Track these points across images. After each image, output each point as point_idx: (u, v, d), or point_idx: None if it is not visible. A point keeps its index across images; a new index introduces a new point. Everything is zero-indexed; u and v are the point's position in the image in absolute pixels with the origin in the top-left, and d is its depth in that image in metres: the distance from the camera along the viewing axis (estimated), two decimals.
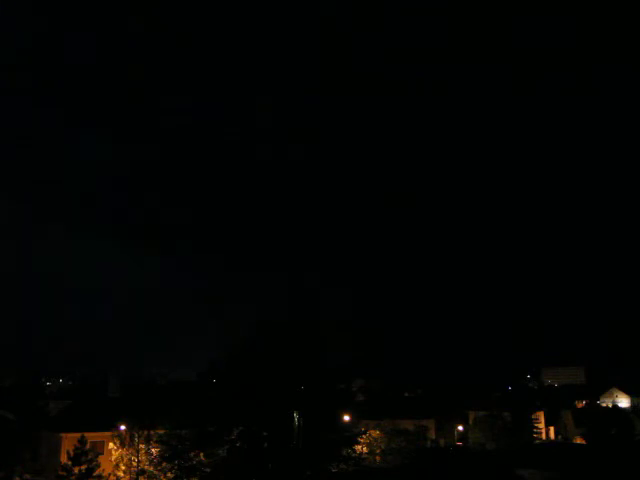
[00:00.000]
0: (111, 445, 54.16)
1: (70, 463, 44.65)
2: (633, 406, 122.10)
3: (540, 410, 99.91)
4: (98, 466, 45.82)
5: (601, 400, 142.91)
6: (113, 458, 53.26)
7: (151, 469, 48.71)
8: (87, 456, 45.22)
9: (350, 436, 40.71)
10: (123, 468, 52.79)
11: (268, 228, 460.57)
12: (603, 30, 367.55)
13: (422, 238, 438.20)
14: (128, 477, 52.61)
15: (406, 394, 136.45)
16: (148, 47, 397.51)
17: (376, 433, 64.72)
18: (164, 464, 41.52)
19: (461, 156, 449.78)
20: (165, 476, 42.75)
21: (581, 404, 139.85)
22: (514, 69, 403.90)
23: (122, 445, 53.41)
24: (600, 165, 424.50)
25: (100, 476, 46.46)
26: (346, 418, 50.86)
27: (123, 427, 53.90)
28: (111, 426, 54.63)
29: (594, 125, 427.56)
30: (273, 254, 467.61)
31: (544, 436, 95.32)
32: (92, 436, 50.66)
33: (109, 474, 49.75)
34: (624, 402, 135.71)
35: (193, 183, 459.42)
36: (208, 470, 36.68)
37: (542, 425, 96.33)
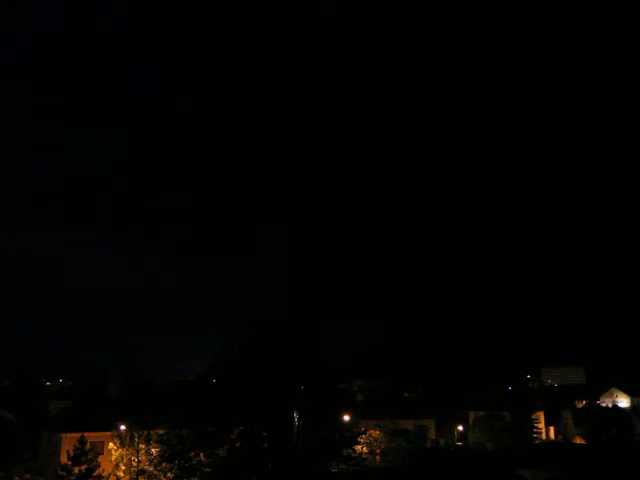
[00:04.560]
0: (111, 445, 54.18)
1: (70, 463, 44.60)
2: (633, 406, 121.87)
3: (540, 410, 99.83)
4: (98, 466, 45.78)
5: (601, 400, 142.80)
6: (113, 458, 53.29)
7: (151, 469, 48.78)
8: (87, 456, 45.17)
9: (350, 436, 40.68)
10: (123, 468, 52.82)
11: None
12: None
13: (417, 232, 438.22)
14: (128, 477, 52.63)
15: (406, 394, 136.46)
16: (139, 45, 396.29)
17: (376, 433, 64.75)
18: (164, 464, 41.58)
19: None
20: (165, 476, 42.81)
21: (581, 404, 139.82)
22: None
23: (122, 445, 53.44)
24: (600, 165, 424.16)
25: (100, 476, 46.45)
26: (346, 418, 50.92)
27: (123, 427, 53.92)
28: (111, 426, 54.66)
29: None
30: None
31: (544, 436, 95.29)
32: (92, 436, 50.62)
33: (109, 474, 49.73)
34: (624, 402, 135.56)
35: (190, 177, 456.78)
36: (208, 470, 36.68)
37: (542, 425, 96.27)
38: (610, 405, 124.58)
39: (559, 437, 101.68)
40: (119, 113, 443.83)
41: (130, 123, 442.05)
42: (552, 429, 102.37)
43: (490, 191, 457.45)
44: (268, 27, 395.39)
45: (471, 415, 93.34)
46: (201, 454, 37.13)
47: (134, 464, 52.14)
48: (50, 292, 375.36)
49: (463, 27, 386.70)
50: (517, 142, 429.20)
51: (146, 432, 52.02)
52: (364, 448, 56.64)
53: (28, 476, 58.05)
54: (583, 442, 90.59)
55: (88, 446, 46.36)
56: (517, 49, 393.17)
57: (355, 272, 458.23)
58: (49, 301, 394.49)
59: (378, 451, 64.52)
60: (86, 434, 47.99)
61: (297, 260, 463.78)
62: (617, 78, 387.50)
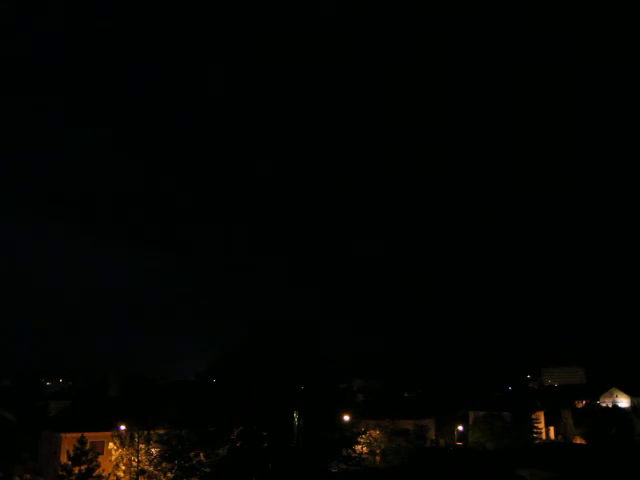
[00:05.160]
0: (111, 445, 54.17)
1: (70, 463, 44.60)
2: (633, 406, 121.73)
3: (540, 410, 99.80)
4: (98, 466, 45.79)
5: (601, 400, 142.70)
6: (113, 458, 53.29)
7: (151, 469, 48.77)
8: (87, 456, 45.17)
9: (350, 436, 40.69)
10: (123, 468, 52.82)
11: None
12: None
13: (417, 232, 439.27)
14: (128, 477, 52.63)
15: (406, 394, 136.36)
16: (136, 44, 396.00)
17: (376, 433, 64.78)
18: (164, 464, 41.55)
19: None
20: (165, 476, 42.79)
21: (581, 404, 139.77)
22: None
23: (122, 445, 53.44)
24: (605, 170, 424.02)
25: (100, 476, 46.45)
26: (346, 418, 50.92)
27: (123, 427, 53.92)
28: (111, 426, 54.65)
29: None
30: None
31: (544, 436, 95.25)
32: (92, 436, 50.62)
33: (109, 474, 49.74)
34: (624, 402, 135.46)
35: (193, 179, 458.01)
36: (208, 470, 36.68)
37: (542, 425, 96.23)
38: (610, 405, 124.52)
39: (559, 437, 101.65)
40: (119, 113, 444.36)
41: (130, 123, 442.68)
42: (552, 429, 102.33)
43: (490, 191, 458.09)
44: (268, 27, 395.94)
45: (471, 415, 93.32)
46: (201, 454, 37.13)
47: (134, 464, 52.14)
48: (50, 292, 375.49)
49: (463, 27, 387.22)
50: (517, 142, 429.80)
51: (146, 432, 52.01)
52: (364, 448, 56.69)
53: (28, 476, 58.05)
54: (583, 442, 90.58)
55: (88, 446, 46.36)
56: (517, 49, 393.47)
57: (354, 272, 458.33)
58: (49, 301, 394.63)
59: (378, 451, 64.57)
60: (86, 434, 47.98)
61: (297, 260, 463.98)
62: (617, 78, 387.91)
